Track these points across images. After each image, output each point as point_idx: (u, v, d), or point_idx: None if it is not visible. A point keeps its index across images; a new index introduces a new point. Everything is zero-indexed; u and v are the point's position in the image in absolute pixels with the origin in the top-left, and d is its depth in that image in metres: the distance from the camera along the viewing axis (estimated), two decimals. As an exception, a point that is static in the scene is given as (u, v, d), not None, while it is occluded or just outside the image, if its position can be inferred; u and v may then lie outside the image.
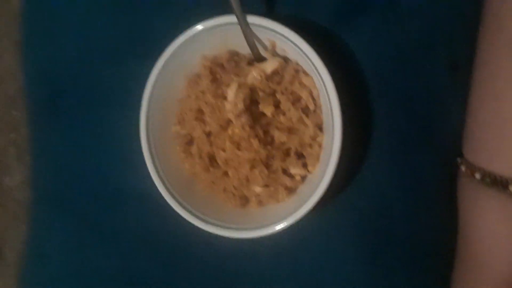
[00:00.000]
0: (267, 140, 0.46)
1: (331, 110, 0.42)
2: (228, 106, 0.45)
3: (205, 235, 0.46)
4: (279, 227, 0.45)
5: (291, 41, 0.43)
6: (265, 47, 0.47)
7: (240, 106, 0.44)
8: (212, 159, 0.49)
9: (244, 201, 0.50)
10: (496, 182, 0.41)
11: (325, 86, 0.42)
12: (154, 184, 0.47)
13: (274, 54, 0.47)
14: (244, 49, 0.48)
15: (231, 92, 0.45)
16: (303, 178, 0.47)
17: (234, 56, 0.49)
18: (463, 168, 0.44)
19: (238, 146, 0.46)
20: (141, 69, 0.46)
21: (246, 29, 0.44)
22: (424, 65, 0.48)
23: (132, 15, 0.51)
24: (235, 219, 0.48)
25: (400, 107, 0.48)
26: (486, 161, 0.42)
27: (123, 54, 0.51)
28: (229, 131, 0.47)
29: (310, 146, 0.46)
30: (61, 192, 0.51)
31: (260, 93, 0.46)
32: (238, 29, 0.45)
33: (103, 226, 0.50)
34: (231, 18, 0.45)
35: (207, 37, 0.47)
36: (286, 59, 0.47)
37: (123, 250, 0.50)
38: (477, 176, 0.42)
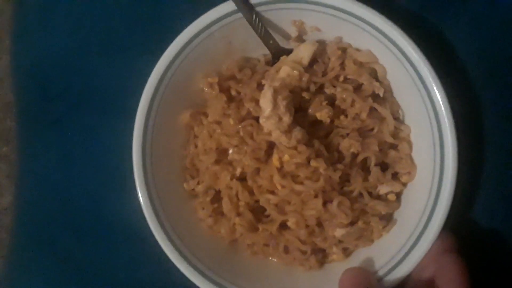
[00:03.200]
0: (333, 156, 0.32)
1: (423, 84, 0.29)
2: (267, 124, 0.30)
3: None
4: (394, 278, 0.30)
5: (330, 6, 0.30)
6: (286, 35, 0.34)
7: (286, 118, 0.30)
8: (258, 212, 0.34)
9: (321, 256, 0.34)
10: None
11: (402, 51, 0.29)
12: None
13: (300, 39, 0.34)
14: (256, 50, 0.35)
15: (266, 103, 0.30)
16: (399, 196, 0.33)
17: (246, 62, 0.35)
18: None
19: (294, 178, 0.31)
20: (141, 68, 0.34)
21: (251, 16, 0.31)
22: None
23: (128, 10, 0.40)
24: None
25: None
26: None
27: (120, 51, 0.39)
28: (275, 162, 0.32)
29: (394, 147, 0.32)
30: (44, 223, 0.41)
31: (304, 94, 0.32)
32: (240, 24, 0.32)
33: (90, 269, 0.39)
34: (226, 8, 0.32)
35: (205, 43, 0.33)
36: (322, 42, 0.33)
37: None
38: None
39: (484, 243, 0.33)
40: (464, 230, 0.32)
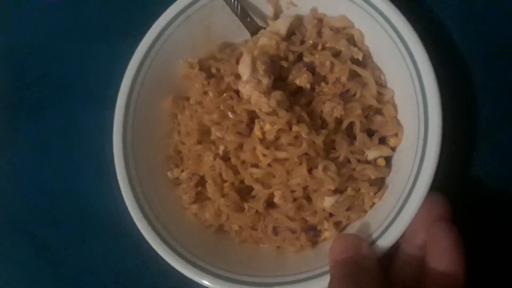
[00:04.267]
0: (317, 123, 0.31)
1: (403, 43, 0.28)
2: (246, 89, 0.30)
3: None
4: (384, 242, 0.27)
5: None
6: (263, 16, 0.35)
7: (265, 80, 0.30)
8: (244, 193, 0.32)
9: (313, 235, 0.31)
10: None
11: (380, 12, 0.29)
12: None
13: (278, 17, 0.34)
14: (237, 36, 0.35)
15: (245, 67, 0.30)
16: (389, 161, 0.31)
17: (226, 47, 0.35)
18: None
19: (277, 147, 0.30)
20: (121, 54, 0.34)
21: None
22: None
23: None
24: (307, 266, 0.30)
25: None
26: None
27: (100, 35, 0.39)
28: (257, 132, 0.31)
29: (379, 111, 0.31)
30: (20, 213, 0.39)
31: (284, 64, 0.31)
32: (217, 5, 0.33)
33: (68, 259, 0.38)
34: None
35: (184, 28, 0.34)
36: (298, 16, 0.34)
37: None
38: None
39: (481, 207, 0.31)
40: (461, 195, 0.30)
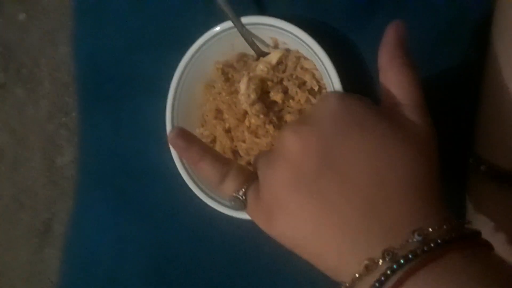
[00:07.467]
0: (281, 125, 0.51)
1: (333, 86, 0.46)
2: (242, 98, 0.50)
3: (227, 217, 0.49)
4: None
5: (289, 32, 0.48)
6: (267, 44, 0.53)
7: (253, 96, 0.49)
8: (235, 152, 0.54)
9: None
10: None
11: (324, 66, 0.46)
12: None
13: (276, 47, 0.52)
14: (251, 50, 0.54)
15: (242, 85, 0.50)
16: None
17: (243, 57, 0.54)
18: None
19: (256, 135, 0.51)
20: (172, 60, 0.52)
21: (242, 30, 0.50)
22: (433, 61, 0.48)
23: (162, 17, 0.58)
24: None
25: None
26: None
27: (156, 46, 0.57)
28: (246, 123, 0.51)
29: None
30: (103, 171, 0.57)
31: (269, 83, 0.50)
32: (238, 33, 0.51)
33: (137, 200, 0.56)
34: (228, 24, 0.51)
35: (217, 43, 0.53)
36: (287, 50, 0.52)
37: (153, 222, 0.56)
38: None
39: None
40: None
